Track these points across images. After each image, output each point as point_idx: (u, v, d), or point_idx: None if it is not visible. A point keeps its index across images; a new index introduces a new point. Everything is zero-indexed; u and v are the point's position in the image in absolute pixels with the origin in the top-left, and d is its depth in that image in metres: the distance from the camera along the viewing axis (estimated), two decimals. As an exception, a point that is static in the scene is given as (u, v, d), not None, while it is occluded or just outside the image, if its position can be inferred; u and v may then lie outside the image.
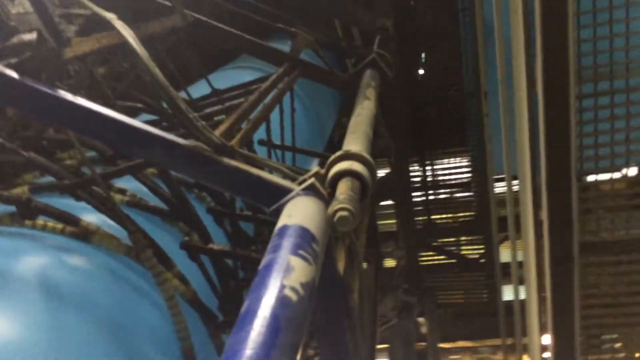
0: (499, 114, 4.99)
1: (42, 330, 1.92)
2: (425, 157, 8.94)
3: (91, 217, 2.49)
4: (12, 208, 2.33)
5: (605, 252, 3.64)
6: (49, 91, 1.96)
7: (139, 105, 3.34)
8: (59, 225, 2.35)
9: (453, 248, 9.57)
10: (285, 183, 1.99)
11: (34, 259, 2.18)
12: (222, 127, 2.35)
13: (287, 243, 1.60)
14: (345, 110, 6.89)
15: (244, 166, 1.98)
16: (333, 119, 7.18)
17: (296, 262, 1.51)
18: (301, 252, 1.57)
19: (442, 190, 9.35)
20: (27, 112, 2.04)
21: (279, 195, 1.98)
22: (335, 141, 6.83)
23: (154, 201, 2.80)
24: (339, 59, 7.10)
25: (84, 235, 2.36)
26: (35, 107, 2.00)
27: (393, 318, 8.15)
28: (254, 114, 2.76)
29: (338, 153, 2.01)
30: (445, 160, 9.13)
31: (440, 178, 9.23)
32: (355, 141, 2.26)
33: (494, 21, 4.88)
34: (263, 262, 1.58)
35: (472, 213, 9.15)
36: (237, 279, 2.74)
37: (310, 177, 2.02)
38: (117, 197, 2.64)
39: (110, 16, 2.08)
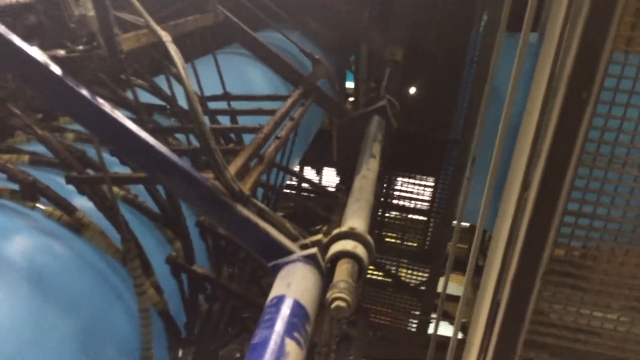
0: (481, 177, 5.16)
1: (20, 318, 1.97)
2: (392, 177, 9.11)
3: (88, 206, 2.52)
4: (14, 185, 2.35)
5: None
6: (87, 96, 1.98)
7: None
8: (56, 212, 2.37)
9: (393, 269, 9.81)
10: (289, 244, 2.09)
11: (25, 240, 2.21)
12: (239, 162, 2.42)
13: (284, 322, 1.71)
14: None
15: (254, 218, 2.07)
16: (318, 124, 7.27)
17: (291, 347, 1.62)
18: (296, 335, 1.68)
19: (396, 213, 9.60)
20: (61, 109, 2.05)
21: (280, 253, 2.09)
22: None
23: (149, 202, 2.84)
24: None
25: (77, 227, 2.39)
26: (70, 108, 2.02)
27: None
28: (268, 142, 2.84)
29: (343, 229, 2.12)
30: (412, 186, 9.34)
31: (401, 200, 9.43)
32: (359, 213, 2.37)
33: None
34: (258, 336, 1.68)
35: (419, 243, 9.43)
36: (211, 302, 2.82)
37: (312, 244, 2.13)
38: (116, 190, 2.66)
39: (165, 38, 2.11)
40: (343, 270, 1.94)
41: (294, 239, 2.15)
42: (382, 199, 9.21)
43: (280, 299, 1.83)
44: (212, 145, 2.04)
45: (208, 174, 2.13)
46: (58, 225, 2.38)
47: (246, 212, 2.07)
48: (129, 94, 3.19)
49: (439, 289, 8.54)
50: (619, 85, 2.91)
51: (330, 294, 1.81)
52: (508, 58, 7.00)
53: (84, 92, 1.99)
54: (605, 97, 2.86)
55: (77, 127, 3.20)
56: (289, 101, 3.38)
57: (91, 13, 1.99)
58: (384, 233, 9.81)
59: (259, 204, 2.12)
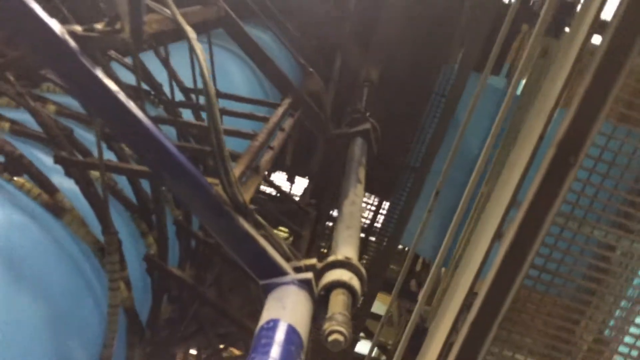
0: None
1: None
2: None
3: (67, 186, 2.40)
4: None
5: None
6: (102, 79, 1.89)
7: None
8: (35, 190, 2.24)
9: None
10: (284, 265, 2.06)
11: (1, 216, 2.08)
12: (237, 171, 2.37)
13: (281, 348, 1.69)
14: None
15: (254, 233, 2.03)
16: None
17: (288, 377, 1.61)
18: (292, 365, 1.67)
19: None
20: (71, 87, 1.94)
21: (274, 273, 2.06)
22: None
23: (126, 188, 2.73)
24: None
25: (56, 209, 2.27)
26: (81, 88, 1.92)
27: None
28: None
29: (339, 258, 2.11)
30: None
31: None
32: (350, 241, 2.38)
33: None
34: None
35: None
36: (179, 304, 2.74)
37: (306, 268, 2.11)
38: (95, 174, 2.54)
39: (191, 35, 2.04)
40: (339, 301, 1.94)
41: (287, 259, 2.13)
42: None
43: (275, 323, 1.80)
44: (225, 153, 1.99)
45: (212, 180, 2.08)
46: (36, 203, 2.25)
47: (247, 226, 2.03)
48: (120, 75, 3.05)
49: (374, 308, 8.66)
50: (601, 155, 3.06)
51: (327, 326, 1.80)
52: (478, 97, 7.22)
53: (99, 74, 1.89)
54: (586, 163, 3.01)
55: (59, 98, 3.04)
56: (280, 110, 3.34)
57: (121, -5, 1.90)
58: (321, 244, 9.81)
59: (260, 219, 2.09)
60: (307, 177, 8.96)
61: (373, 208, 9.56)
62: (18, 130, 2.49)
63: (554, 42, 6.73)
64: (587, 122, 2.83)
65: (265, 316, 1.85)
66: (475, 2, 7.17)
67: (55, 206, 2.26)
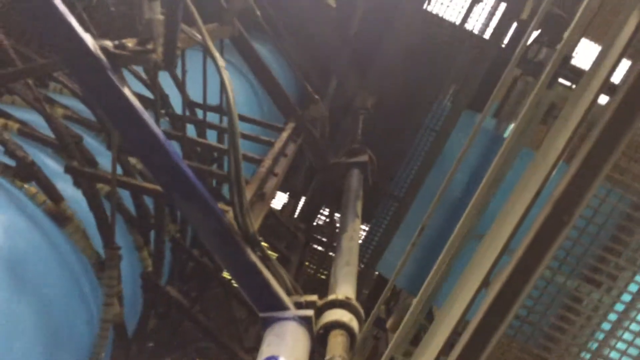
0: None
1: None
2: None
3: (74, 196, 2.38)
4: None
5: None
6: (128, 97, 1.90)
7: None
8: (40, 196, 2.22)
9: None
10: (286, 300, 2.07)
11: (6, 220, 2.06)
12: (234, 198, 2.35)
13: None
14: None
15: (260, 266, 2.04)
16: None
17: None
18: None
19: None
20: (96, 101, 1.94)
21: (275, 306, 2.07)
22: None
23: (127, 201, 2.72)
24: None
25: (60, 218, 2.25)
26: (110, 108, 1.92)
27: None
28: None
29: (339, 298, 2.13)
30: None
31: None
32: (349, 279, 2.40)
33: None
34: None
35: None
36: (168, 319, 2.72)
37: (307, 305, 2.13)
38: (100, 185, 2.53)
39: (220, 63, 2.06)
40: (338, 343, 1.96)
41: (289, 293, 2.14)
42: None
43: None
44: (242, 180, 2.00)
45: (222, 206, 2.09)
46: (40, 210, 2.23)
47: (253, 258, 2.04)
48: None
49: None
50: (594, 217, 3.16)
51: (327, 368, 1.82)
52: (465, 135, 7.35)
53: (127, 91, 1.90)
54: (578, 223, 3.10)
55: (66, 101, 3.03)
56: (284, 135, 3.37)
57: (159, 17, 1.92)
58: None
59: (266, 251, 2.10)
60: (287, 193, 8.95)
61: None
62: (27, 132, 2.46)
63: (548, 92, 6.90)
64: (585, 184, 2.91)
65: (266, 352, 1.86)
66: (475, 44, 7.33)
67: (59, 215, 2.25)
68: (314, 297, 2.15)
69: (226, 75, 2.07)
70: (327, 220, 7.75)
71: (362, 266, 8.62)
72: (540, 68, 6.95)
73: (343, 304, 2.11)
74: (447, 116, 7.29)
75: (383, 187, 8.34)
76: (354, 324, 2.06)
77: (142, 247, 2.73)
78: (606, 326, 3.46)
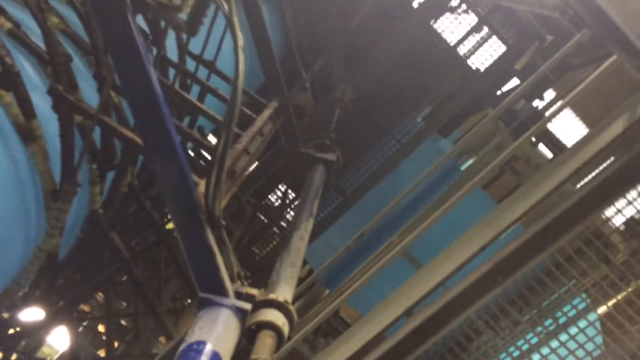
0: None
1: None
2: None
3: (47, 117, 2.29)
4: None
5: None
6: (138, 45, 1.83)
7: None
8: (16, 109, 2.13)
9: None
10: (228, 287, 2.09)
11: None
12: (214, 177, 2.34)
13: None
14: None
15: (215, 249, 2.04)
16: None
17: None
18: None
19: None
20: (110, 48, 1.86)
21: (216, 290, 2.09)
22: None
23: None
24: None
25: (26, 135, 2.16)
26: (116, 46, 1.85)
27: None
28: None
29: (280, 299, 2.17)
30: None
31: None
32: (291, 282, 2.43)
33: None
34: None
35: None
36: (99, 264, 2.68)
37: (246, 297, 2.16)
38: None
39: (240, 43, 2.02)
40: (267, 344, 2.00)
41: (232, 279, 2.16)
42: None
43: (204, 346, 1.84)
44: (225, 161, 1.99)
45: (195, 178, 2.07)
46: (9, 122, 2.13)
47: (211, 240, 2.04)
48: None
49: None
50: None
51: (249, 366, 1.86)
52: (426, 156, 7.51)
53: (136, 35, 1.82)
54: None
55: (63, 9, 2.88)
56: (266, 114, 3.35)
57: None
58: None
59: (225, 236, 2.11)
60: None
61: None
62: (17, 36, 2.34)
63: (512, 142, 7.10)
64: (529, 256, 3.09)
65: (197, 334, 1.88)
66: (464, 74, 7.46)
67: (28, 132, 2.16)
68: (254, 291, 2.18)
69: (242, 56, 2.04)
70: (280, 200, 7.75)
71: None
72: (514, 117, 7.19)
73: (280, 307, 2.15)
74: (416, 134, 7.41)
75: (333, 178, 8.40)
76: (286, 328, 2.11)
77: (95, 184, 2.67)
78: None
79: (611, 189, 2.95)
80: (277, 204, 7.77)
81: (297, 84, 4.02)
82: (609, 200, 2.99)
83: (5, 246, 2.12)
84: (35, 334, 2.58)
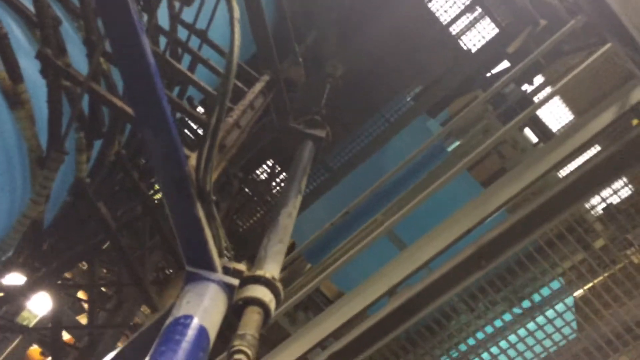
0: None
1: None
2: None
3: (35, 82, 2.23)
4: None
5: None
6: (132, 11, 1.79)
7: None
8: (2, 73, 2.07)
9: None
10: (216, 262, 2.08)
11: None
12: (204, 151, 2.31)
13: (189, 350, 1.74)
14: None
15: (204, 223, 2.03)
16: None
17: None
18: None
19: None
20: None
21: (204, 265, 2.08)
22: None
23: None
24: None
25: (13, 100, 2.11)
26: (112, 14, 1.79)
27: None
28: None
29: (267, 275, 2.17)
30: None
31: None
32: (278, 258, 2.43)
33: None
34: (161, 352, 1.69)
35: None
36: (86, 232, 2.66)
37: (234, 273, 2.15)
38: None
39: (236, 15, 1.98)
40: (254, 320, 2.00)
41: (220, 254, 2.16)
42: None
43: (191, 320, 1.84)
44: (217, 135, 1.97)
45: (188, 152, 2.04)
46: (-5, 85, 2.08)
47: (200, 214, 2.02)
48: None
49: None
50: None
51: (237, 344, 1.86)
52: (414, 135, 7.52)
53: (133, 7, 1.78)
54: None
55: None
56: (257, 87, 3.31)
57: None
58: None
59: (215, 210, 2.09)
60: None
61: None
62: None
63: (501, 126, 7.11)
64: (513, 241, 3.12)
65: (184, 309, 1.88)
66: (456, 54, 7.42)
67: (14, 96, 2.11)
68: (242, 267, 2.17)
69: (237, 29, 2.00)
70: (267, 175, 7.71)
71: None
72: (502, 100, 7.19)
73: (268, 283, 2.15)
74: (405, 113, 7.39)
75: (320, 154, 8.37)
76: (272, 305, 2.11)
77: (82, 151, 2.62)
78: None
79: (596, 179, 2.98)
80: (262, 177, 7.75)
81: (289, 58, 3.96)
82: (594, 190, 3.03)
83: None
84: (16, 299, 2.56)
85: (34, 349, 5.66)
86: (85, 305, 4.84)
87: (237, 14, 1.99)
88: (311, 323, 3.70)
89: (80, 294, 5.26)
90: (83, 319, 5.43)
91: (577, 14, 4.69)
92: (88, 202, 2.50)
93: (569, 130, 3.24)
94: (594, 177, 2.95)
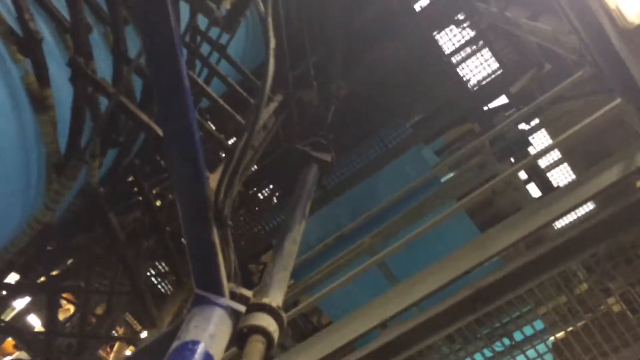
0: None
1: None
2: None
3: (59, 85, 2.22)
4: None
5: None
6: (174, 31, 1.80)
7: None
8: (31, 77, 2.07)
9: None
10: (225, 286, 2.09)
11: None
12: (218, 174, 2.30)
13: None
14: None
15: (218, 248, 2.03)
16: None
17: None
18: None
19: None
20: (139, 24, 1.82)
21: (213, 289, 2.08)
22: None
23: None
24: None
25: (39, 103, 2.10)
26: (149, 29, 1.80)
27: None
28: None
29: (272, 304, 2.18)
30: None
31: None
32: (282, 286, 2.44)
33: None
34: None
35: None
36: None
37: (241, 299, 2.16)
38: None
39: (272, 45, 2.00)
40: (256, 350, 2.02)
41: (229, 278, 2.16)
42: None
43: (197, 346, 1.84)
44: (243, 162, 1.98)
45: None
46: (24, 88, 2.07)
47: (215, 238, 2.03)
48: None
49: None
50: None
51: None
52: (409, 162, 7.55)
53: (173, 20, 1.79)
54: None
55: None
56: (272, 107, 3.33)
57: None
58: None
59: (229, 235, 2.10)
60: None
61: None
62: (44, 3, 2.26)
63: (496, 163, 7.17)
64: (510, 287, 3.16)
65: (192, 333, 1.88)
66: (457, 89, 7.49)
67: (40, 100, 2.10)
68: (248, 293, 2.18)
69: (272, 58, 2.03)
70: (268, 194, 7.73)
71: (263, 232, 8.63)
72: (500, 137, 7.28)
73: (273, 312, 2.16)
74: (403, 140, 7.44)
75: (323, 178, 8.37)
76: (276, 335, 2.12)
77: (95, 157, 2.61)
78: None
79: (594, 238, 3.04)
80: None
81: (304, 81, 4.00)
82: (590, 247, 3.08)
83: (3, 213, 2.07)
84: (13, 300, 2.53)
85: (8, 341, 5.57)
86: (69, 306, 4.78)
87: (273, 44, 2.01)
88: (296, 349, 3.69)
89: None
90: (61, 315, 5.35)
91: (584, 64, 4.78)
92: (99, 211, 2.49)
93: (571, 185, 3.29)
94: (592, 236, 3.01)
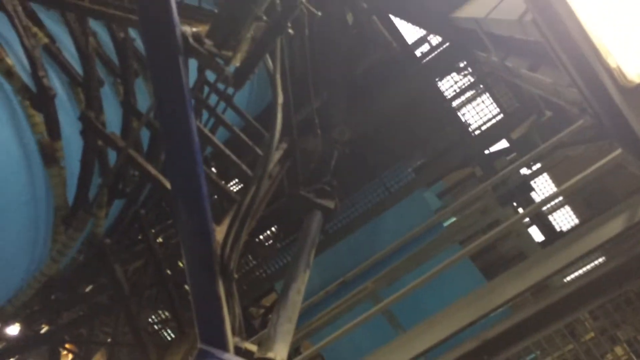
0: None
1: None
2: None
3: (68, 138, 2.25)
4: None
5: None
6: (185, 90, 1.84)
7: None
8: (42, 127, 2.10)
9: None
10: (230, 341, 2.07)
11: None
12: (224, 227, 2.31)
13: None
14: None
15: (223, 302, 2.02)
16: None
17: None
18: None
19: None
20: (155, 83, 1.86)
21: (218, 344, 2.06)
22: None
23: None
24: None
25: (48, 156, 2.13)
26: (163, 87, 1.84)
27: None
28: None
29: (269, 355, 2.16)
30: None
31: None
32: (287, 338, 2.41)
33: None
34: None
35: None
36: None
37: (245, 354, 2.14)
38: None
39: (280, 101, 2.04)
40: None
41: (234, 332, 2.14)
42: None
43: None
44: (250, 217, 1.99)
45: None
46: (34, 140, 2.11)
47: (221, 291, 2.02)
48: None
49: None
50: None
51: None
52: (411, 206, 7.54)
53: (184, 78, 1.82)
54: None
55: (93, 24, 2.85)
56: (276, 156, 3.35)
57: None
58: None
59: (234, 289, 2.09)
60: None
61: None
62: (53, 52, 2.32)
63: (499, 208, 7.16)
64: (518, 338, 3.13)
65: (194, 390, 1.85)
66: (459, 135, 7.56)
67: (50, 153, 2.13)
68: (253, 348, 2.17)
69: (280, 114, 2.06)
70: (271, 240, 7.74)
71: (264, 275, 8.57)
72: (502, 182, 7.30)
73: (270, 362, 2.14)
74: (406, 184, 7.47)
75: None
76: (274, 385, 2.09)
77: (102, 207, 2.63)
78: None
79: (601, 289, 3.02)
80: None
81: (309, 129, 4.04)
82: (598, 298, 3.06)
83: (10, 266, 2.07)
84: (16, 353, 2.50)
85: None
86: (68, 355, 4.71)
87: (281, 99, 2.05)
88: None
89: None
90: None
91: (585, 115, 4.83)
92: (104, 261, 2.49)
93: (577, 234, 3.29)
94: (599, 287, 3.00)
